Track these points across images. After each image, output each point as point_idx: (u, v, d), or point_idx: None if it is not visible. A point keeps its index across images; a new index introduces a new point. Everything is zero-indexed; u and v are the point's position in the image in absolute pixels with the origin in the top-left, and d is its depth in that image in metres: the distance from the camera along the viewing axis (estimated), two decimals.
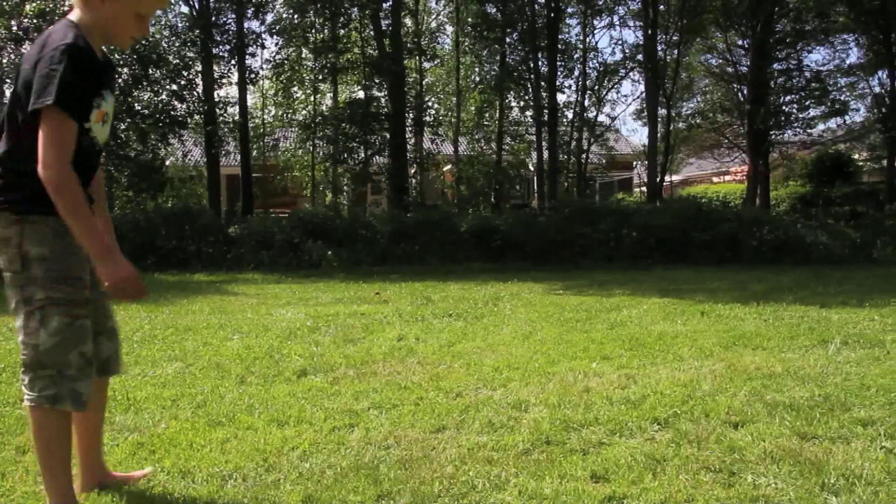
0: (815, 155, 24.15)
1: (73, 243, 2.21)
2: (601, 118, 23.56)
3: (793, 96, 21.39)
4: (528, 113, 22.01)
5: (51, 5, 15.56)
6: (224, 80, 19.33)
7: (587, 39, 22.21)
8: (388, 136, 18.53)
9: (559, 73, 20.68)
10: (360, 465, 2.79)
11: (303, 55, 20.10)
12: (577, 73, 21.88)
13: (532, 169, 23.98)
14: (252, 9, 18.89)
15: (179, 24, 18.57)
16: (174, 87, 17.43)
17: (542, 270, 12.42)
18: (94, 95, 2.22)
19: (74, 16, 2.25)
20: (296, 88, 20.96)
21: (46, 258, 2.19)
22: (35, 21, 15.86)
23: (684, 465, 2.73)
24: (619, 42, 50.63)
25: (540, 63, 20.17)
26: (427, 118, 20.74)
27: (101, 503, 2.43)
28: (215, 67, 18.62)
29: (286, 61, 19.72)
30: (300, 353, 4.98)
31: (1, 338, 5.63)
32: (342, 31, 19.47)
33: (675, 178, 32.58)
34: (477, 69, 22.87)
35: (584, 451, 2.92)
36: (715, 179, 32.21)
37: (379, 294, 8.77)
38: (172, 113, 17.28)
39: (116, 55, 16.29)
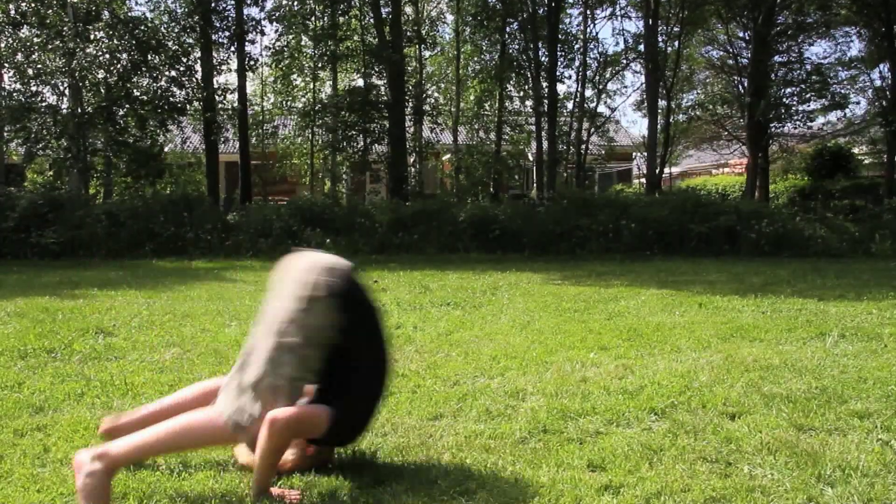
0: (814, 148, 24.10)
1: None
2: (601, 109, 23.48)
3: (793, 89, 21.26)
4: (528, 103, 21.93)
5: None
6: (223, 67, 19.23)
7: (588, 29, 22.07)
8: (387, 124, 18.46)
9: (559, 63, 20.56)
10: (357, 452, 2.79)
11: (302, 42, 20.01)
12: (577, 63, 21.78)
13: (531, 159, 23.91)
14: None
15: (178, 10, 18.46)
16: (173, 73, 17.33)
17: (540, 261, 12.42)
18: None
19: None
20: (295, 76, 20.88)
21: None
22: (33, 5, 15.75)
23: (681, 456, 2.74)
24: (621, 32, 50.09)
25: (540, 53, 20.07)
26: (426, 107, 20.67)
27: None
28: (214, 54, 18.51)
29: (286, 48, 19.62)
30: None
31: None
32: (342, 19, 19.37)
33: (675, 169, 32.52)
34: (477, 58, 22.77)
35: (580, 440, 2.93)
36: (714, 172, 32.13)
37: (377, 283, 8.77)
38: (171, 99, 17.19)
39: (115, 40, 16.22)
